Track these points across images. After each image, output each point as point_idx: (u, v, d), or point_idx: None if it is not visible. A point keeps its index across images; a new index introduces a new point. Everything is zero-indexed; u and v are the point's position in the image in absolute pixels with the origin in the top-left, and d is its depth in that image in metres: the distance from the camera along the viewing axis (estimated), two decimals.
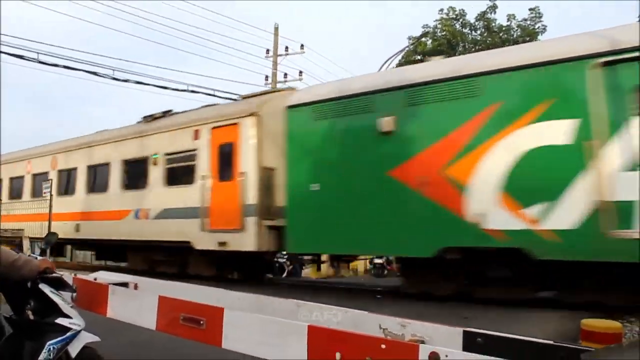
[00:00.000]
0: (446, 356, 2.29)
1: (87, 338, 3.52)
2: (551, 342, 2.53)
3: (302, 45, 24.85)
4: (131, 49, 33.62)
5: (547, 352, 2.48)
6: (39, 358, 3.23)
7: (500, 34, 25.83)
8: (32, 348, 3.27)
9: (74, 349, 3.44)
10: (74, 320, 3.45)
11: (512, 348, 2.57)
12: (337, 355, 2.57)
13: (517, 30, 25.73)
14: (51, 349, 3.28)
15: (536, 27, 25.45)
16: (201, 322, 3.12)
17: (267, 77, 24.98)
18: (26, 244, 14.69)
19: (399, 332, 2.95)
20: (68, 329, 3.39)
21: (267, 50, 24.98)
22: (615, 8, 30.35)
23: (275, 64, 24.51)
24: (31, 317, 3.33)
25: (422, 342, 2.60)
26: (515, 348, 2.56)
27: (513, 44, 25.44)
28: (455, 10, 26.63)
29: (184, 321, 3.22)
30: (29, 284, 3.34)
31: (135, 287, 4.38)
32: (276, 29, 24.76)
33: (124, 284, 4.31)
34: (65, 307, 3.43)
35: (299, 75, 25.09)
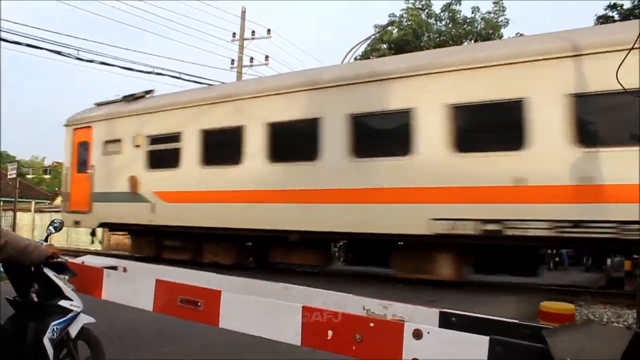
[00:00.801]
0: (428, 333, 2.64)
1: (85, 319, 3.78)
2: (517, 321, 2.90)
3: (268, 30, 24.92)
4: (94, 30, 33.00)
5: (513, 330, 2.85)
6: (44, 337, 3.46)
7: (465, 26, 26.37)
8: (36, 328, 3.50)
9: (73, 330, 3.69)
10: (74, 302, 3.69)
11: (482, 326, 2.92)
12: (329, 332, 2.89)
13: (481, 22, 26.32)
14: (55, 329, 3.52)
15: (499, 20, 26.09)
16: (199, 303, 3.39)
17: (233, 60, 24.97)
18: None
19: (382, 312, 3.28)
20: (70, 311, 3.63)
21: (234, 34, 24.96)
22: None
23: (241, 47, 24.50)
24: (35, 299, 3.55)
25: (403, 321, 2.93)
26: (484, 326, 2.92)
27: (477, 36, 26.07)
28: (421, 1, 27.05)
29: (182, 303, 3.48)
30: (32, 268, 3.55)
31: (124, 270, 4.60)
32: (243, 12, 24.73)
33: (113, 268, 4.52)
34: (67, 290, 3.67)
35: (265, 60, 25.15)
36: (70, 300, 3.67)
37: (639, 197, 6.94)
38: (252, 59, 26.05)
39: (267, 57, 26.54)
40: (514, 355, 2.38)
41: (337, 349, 2.88)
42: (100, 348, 4.00)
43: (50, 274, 3.59)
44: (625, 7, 21.84)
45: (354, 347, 2.79)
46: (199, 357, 5.42)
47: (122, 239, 25.46)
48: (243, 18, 25.12)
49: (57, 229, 4.03)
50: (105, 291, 3.98)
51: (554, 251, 20.37)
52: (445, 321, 3.10)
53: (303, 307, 3.01)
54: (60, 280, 3.64)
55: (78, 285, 3.87)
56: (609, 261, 16.62)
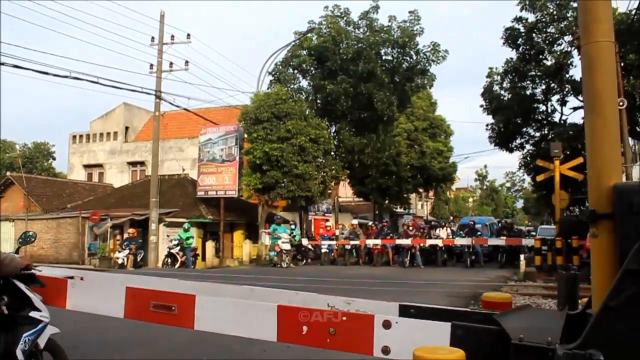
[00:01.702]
0: (396, 322, 2.97)
1: (51, 330, 3.87)
2: (468, 309, 3.29)
3: (188, 35, 24.84)
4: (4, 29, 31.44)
5: (466, 317, 3.23)
6: (17, 349, 3.53)
7: (382, 34, 27.20)
8: (7, 340, 3.56)
9: (42, 340, 3.79)
10: (43, 313, 3.77)
11: (438, 315, 3.29)
12: (304, 328, 3.16)
13: (397, 31, 27.23)
14: (27, 340, 3.60)
15: (415, 29, 27.10)
16: (173, 308, 3.57)
17: (151, 65, 24.68)
18: None
19: (346, 308, 3.59)
20: (40, 322, 3.72)
21: (152, 38, 24.67)
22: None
23: (160, 52, 24.26)
24: (5, 311, 3.61)
25: (373, 314, 3.24)
26: (441, 315, 3.29)
27: (394, 44, 26.95)
28: (340, 8, 27.67)
29: (155, 308, 3.63)
30: (0, 280, 3.61)
31: (82, 279, 4.66)
32: (162, 16, 24.51)
33: (70, 277, 4.58)
34: (37, 301, 3.75)
35: (185, 65, 25.02)
36: (40, 311, 3.75)
37: None
38: (171, 64, 25.88)
39: (187, 62, 26.42)
40: (473, 337, 2.75)
41: (313, 343, 3.16)
42: (64, 358, 4.10)
43: (22, 286, 3.66)
44: (529, 20, 23.34)
45: (328, 340, 3.08)
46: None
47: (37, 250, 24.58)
48: (162, 22, 24.93)
49: (29, 242, 4.09)
50: (71, 301, 4.05)
51: (471, 249, 21.46)
52: (405, 313, 3.45)
53: (278, 306, 3.27)
54: (30, 292, 3.71)
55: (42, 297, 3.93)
56: (521, 258, 17.77)
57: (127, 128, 38.87)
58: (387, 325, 2.96)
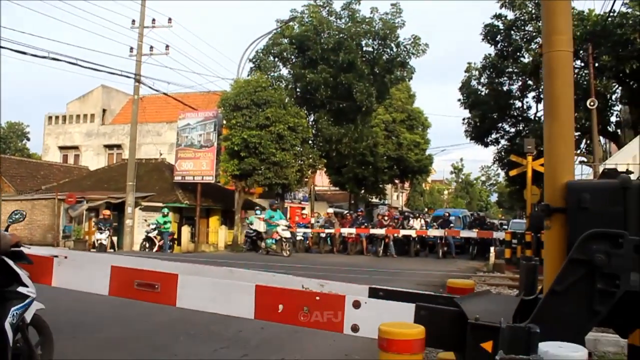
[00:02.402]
0: (365, 303, 3.23)
1: (37, 305, 4.05)
2: (432, 292, 3.56)
3: (169, 19, 24.79)
4: None
5: (430, 300, 3.49)
6: (5, 322, 3.71)
7: (363, 25, 27.38)
8: None
9: (29, 315, 3.97)
10: (30, 288, 3.95)
11: (404, 298, 3.55)
12: (280, 306, 3.40)
13: (378, 22, 27.43)
14: (15, 314, 3.77)
15: (396, 21, 27.34)
16: (156, 286, 3.78)
17: (132, 48, 24.60)
18: None
19: (319, 290, 3.83)
20: (27, 297, 3.89)
21: (133, 21, 24.58)
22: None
23: (141, 35, 24.17)
24: None
25: (345, 294, 3.49)
26: (407, 298, 3.55)
27: (375, 36, 27.16)
28: None
29: (139, 286, 3.84)
30: None
31: (65, 258, 4.83)
32: None
33: (55, 256, 4.75)
34: (24, 277, 3.92)
35: (166, 49, 24.97)
36: (27, 287, 3.93)
37: None
38: (152, 47, 25.82)
39: (167, 46, 26.37)
40: (435, 317, 3.01)
41: (287, 320, 3.41)
42: (49, 333, 4.28)
43: (10, 262, 3.83)
44: (508, 18, 23.71)
45: (302, 318, 3.32)
46: (133, 341, 5.75)
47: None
48: (143, 5, 24.80)
49: (18, 220, 4.25)
50: (56, 278, 4.22)
51: (443, 241, 21.90)
52: (374, 295, 3.70)
53: (256, 285, 3.50)
54: (18, 268, 3.89)
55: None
56: (492, 250, 18.22)
57: (104, 110, 38.58)
58: (357, 305, 3.21)
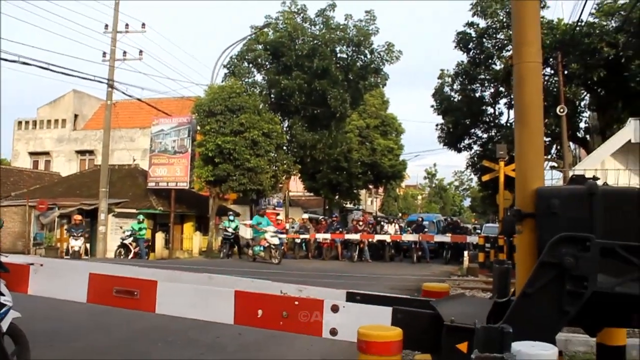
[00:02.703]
0: (343, 307, 3.30)
1: (14, 314, 4.03)
2: (408, 296, 3.64)
3: (143, 24, 24.65)
4: None
5: (406, 303, 3.57)
6: None
7: (338, 32, 27.55)
8: None
9: (5, 324, 3.95)
10: (6, 297, 3.93)
11: (381, 301, 3.63)
12: (259, 311, 3.45)
13: (353, 29, 27.62)
14: None
15: (370, 28, 27.57)
16: (135, 293, 3.80)
17: (104, 53, 24.40)
18: None
19: (298, 295, 3.89)
20: (3, 305, 3.87)
21: (106, 26, 24.38)
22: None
23: (114, 40, 24.00)
24: None
25: (323, 299, 3.55)
26: (383, 301, 3.63)
27: (349, 42, 27.37)
28: (297, 4, 27.88)
29: (118, 293, 3.85)
30: None
31: (41, 266, 4.81)
32: (117, 4, 24.23)
33: (31, 264, 4.73)
34: (1, 286, 3.90)
35: (140, 54, 24.83)
36: (3, 295, 3.91)
37: None
38: (125, 52, 25.67)
39: (141, 51, 26.27)
40: (411, 319, 3.09)
41: (267, 325, 3.46)
42: (25, 342, 4.26)
43: None
44: (480, 26, 24.07)
45: (281, 323, 3.38)
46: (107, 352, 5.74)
47: None
48: (117, 10, 24.64)
49: None
50: (33, 286, 4.21)
51: (417, 245, 22.10)
52: (352, 299, 3.77)
53: (235, 291, 3.55)
54: None
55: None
56: (465, 254, 18.46)
57: (76, 116, 38.07)
58: (335, 309, 3.28)
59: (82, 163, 36.57)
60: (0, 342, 3.94)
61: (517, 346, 2.28)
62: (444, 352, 2.86)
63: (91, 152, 35.85)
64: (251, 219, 28.66)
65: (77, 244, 20.93)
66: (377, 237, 22.70)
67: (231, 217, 23.16)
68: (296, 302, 3.38)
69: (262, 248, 19.30)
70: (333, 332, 3.27)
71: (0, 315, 3.82)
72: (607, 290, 2.74)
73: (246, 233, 21.85)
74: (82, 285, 3.99)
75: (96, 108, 38.45)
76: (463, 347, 2.77)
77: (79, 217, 22.33)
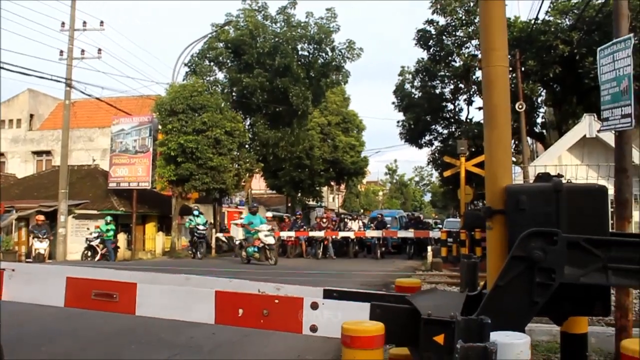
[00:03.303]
0: (322, 304, 3.40)
1: None
2: (384, 292, 3.77)
3: (101, 22, 24.25)
4: None
5: (382, 299, 3.70)
6: None
7: (299, 30, 27.60)
8: None
9: None
10: None
11: (358, 298, 3.74)
12: (240, 310, 3.52)
13: (314, 27, 27.72)
14: None
15: (331, 26, 27.71)
16: (114, 295, 3.82)
17: (62, 52, 23.93)
18: None
19: (276, 293, 3.97)
20: None
21: (63, 24, 23.91)
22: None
23: (71, 38, 23.55)
24: None
25: (303, 297, 3.65)
26: (360, 297, 3.75)
27: (310, 40, 27.46)
28: (258, 2, 27.83)
29: (96, 296, 3.86)
30: None
31: (13, 271, 4.78)
32: (73, 1, 23.77)
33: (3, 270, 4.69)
34: None
35: (98, 53, 24.44)
36: None
37: None
38: (83, 51, 25.22)
39: (99, 50, 25.81)
40: (389, 314, 3.21)
41: (248, 324, 3.53)
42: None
43: None
44: (440, 23, 24.47)
45: (262, 321, 3.46)
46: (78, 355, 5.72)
47: None
48: (73, 7, 24.17)
49: None
50: (7, 292, 4.19)
51: (381, 242, 22.39)
52: (329, 296, 3.88)
53: (216, 291, 3.61)
54: None
55: None
56: (429, 249, 18.79)
57: (31, 115, 37.16)
58: (314, 306, 3.38)
59: (38, 164, 35.73)
60: None
61: (493, 336, 2.43)
62: (422, 345, 2.99)
63: (48, 153, 35.06)
64: (214, 218, 28.70)
65: (42, 246, 20.46)
66: (341, 234, 22.89)
67: (196, 213, 22.37)
68: (276, 301, 3.47)
69: (256, 249, 18.00)
70: (313, 328, 3.37)
71: None
72: (573, 281, 2.91)
73: (238, 233, 20.94)
74: (59, 289, 3.98)
75: (52, 107, 37.60)
76: (440, 339, 2.91)
77: (41, 217, 21.82)
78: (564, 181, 3.19)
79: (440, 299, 3.64)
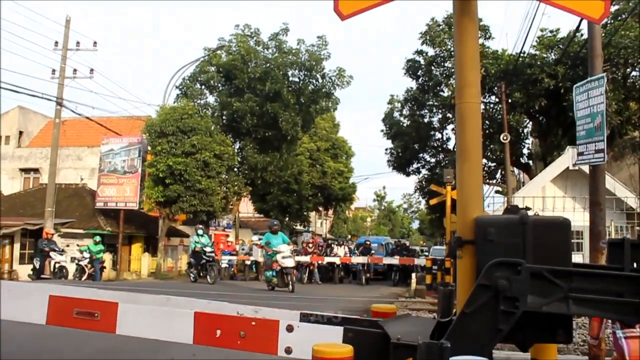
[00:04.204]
0: (298, 326, 3.52)
1: None
2: (358, 316, 3.88)
3: (95, 43, 24.46)
4: None
5: (356, 323, 3.82)
6: None
7: (290, 56, 27.98)
8: None
9: None
10: None
11: (333, 321, 3.86)
12: (218, 331, 3.63)
13: (305, 54, 28.10)
14: None
15: (322, 53, 28.12)
16: (96, 314, 3.91)
17: (54, 70, 24.09)
18: None
19: (254, 316, 4.07)
20: None
21: (56, 43, 24.10)
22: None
23: (64, 58, 23.72)
24: None
25: (278, 319, 3.75)
26: (335, 321, 3.86)
27: (301, 67, 27.81)
28: (250, 28, 28.22)
29: (78, 315, 3.95)
30: None
31: None
32: (67, 21, 24.02)
33: None
34: None
35: (90, 72, 24.60)
36: None
37: None
38: (75, 70, 25.37)
39: (92, 70, 25.98)
40: (361, 338, 3.34)
41: (225, 345, 3.63)
42: None
43: None
44: (429, 54, 24.92)
45: (239, 342, 3.56)
46: None
47: None
48: (67, 27, 24.41)
49: None
50: None
51: (365, 267, 22.47)
52: (305, 319, 3.99)
53: (195, 312, 3.72)
54: None
55: None
56: (413, 276, 18.88)
57: (21, 132, 37.13)
58: (290, 329, 3.50)
59: (26, 181, 35.60)
60: None
61: None
62: None
63: (36, 170, 34.97)
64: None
65: (61, 258, 20.38)
66: (327, 259, 22.95)
67: (200, 232, 20.62)
68: (253, 323, 3.58)
69: (274, 272, 15.96)
70: (288, 350, 3.48)
71: None
72: (536, 309, 3.05)
73: (257, 255, 20.01)
74: (41, 307, 4.07)
75: (42, 125, 37.60)
76: None
77: (50, 230, 21.77)
78: (530, 214, 3.34)
79: (412, 325, 3.76)
